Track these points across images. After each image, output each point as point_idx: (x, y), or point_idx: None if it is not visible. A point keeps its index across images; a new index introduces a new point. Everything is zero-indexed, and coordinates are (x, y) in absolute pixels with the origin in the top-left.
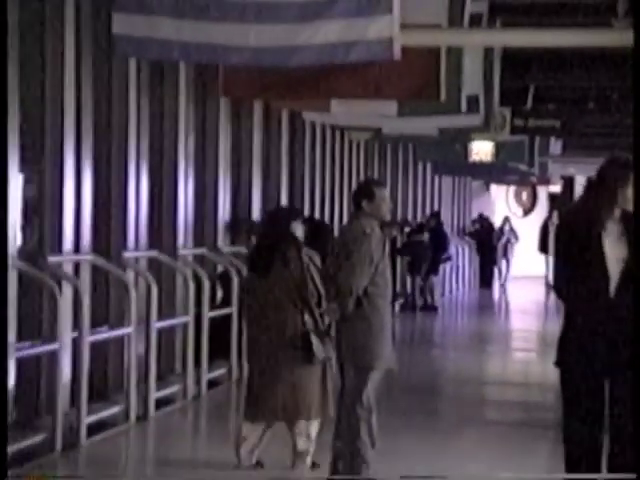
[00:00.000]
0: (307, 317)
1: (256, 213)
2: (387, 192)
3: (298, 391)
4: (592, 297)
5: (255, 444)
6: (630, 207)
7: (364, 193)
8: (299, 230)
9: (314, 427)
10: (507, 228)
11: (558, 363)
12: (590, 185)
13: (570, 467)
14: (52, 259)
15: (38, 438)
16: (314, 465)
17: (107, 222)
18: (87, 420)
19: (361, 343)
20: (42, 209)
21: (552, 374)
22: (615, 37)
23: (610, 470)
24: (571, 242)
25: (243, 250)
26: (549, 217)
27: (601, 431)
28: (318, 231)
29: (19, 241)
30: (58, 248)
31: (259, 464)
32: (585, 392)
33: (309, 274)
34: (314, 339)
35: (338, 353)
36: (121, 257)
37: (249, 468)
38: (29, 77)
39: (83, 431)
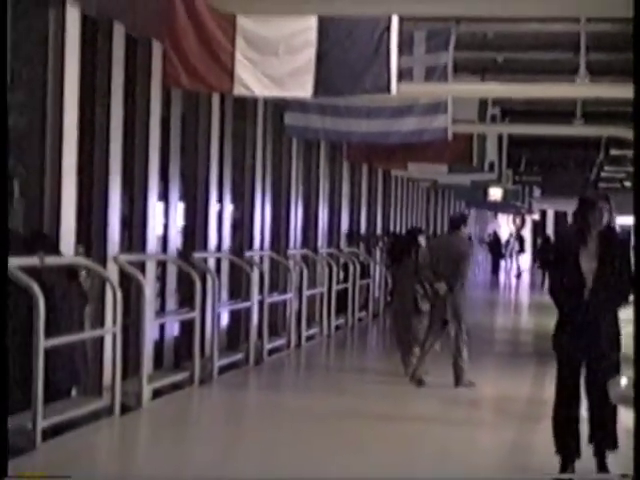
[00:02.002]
0: (418, 287)
1: (363, 229)
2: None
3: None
4: (572, 299)
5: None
6: (599, 227)
7: (463, 220)
8: (422, 239)
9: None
10: (512, 240)
11: (554, 348)
12: (573, 216)
13: (557, 426)
14: (247, 254)
15: (238, 356)
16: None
17: (279, 233)
18: (267, 346)
19: (461, 306)
20: (243, 225)
21: (532, 324)
22: (573, 130)
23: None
24: (560, 257)
25: (355, 250)
26: (515, 233)
27: (579, 397)
28: (398, 240)
29: (229, 243)
30: (250, 247)
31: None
32: (570, 368)
33: (421, 264)
34: (420, 299)
35: (443, 312)
36: (287, 253)
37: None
38: (237, 150)
39: (265, 352)
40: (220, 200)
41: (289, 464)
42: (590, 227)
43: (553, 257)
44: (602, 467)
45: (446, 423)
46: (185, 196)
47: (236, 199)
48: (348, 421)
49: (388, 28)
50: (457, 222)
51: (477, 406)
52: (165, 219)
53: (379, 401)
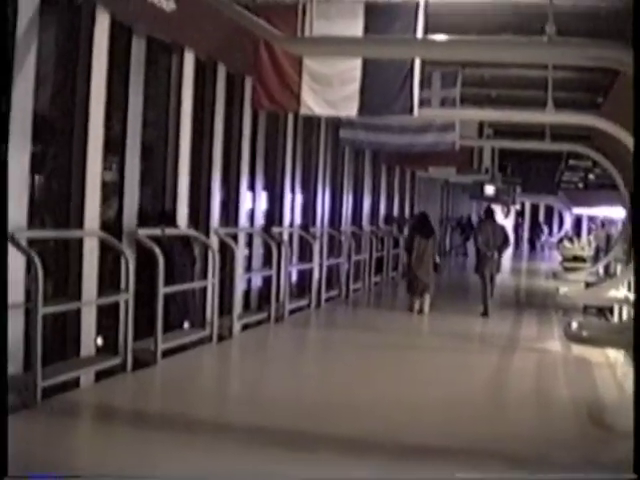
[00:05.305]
0: (436, 255)
1: (395, 213)
2: None
3: (426, 282)
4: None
5: (417, 304)
6: None
7: (491, 211)
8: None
9: (429, 297)
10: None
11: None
12: None
13: None
14: (311, 229)
15: (303, 302)
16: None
17: (334, 215)
18: (324, 296)
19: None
20: (308, 209)
21: (525, 283)
22: (544, 145)
23: None
24: None
25: (390, 228)
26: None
27: None
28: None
29: (298, 221)
30: (313, 224)
31: (420, 311)
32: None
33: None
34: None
35: (491, 268)
36: (340, 229)
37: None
38: (305, 155)
39: (322, 300)
40: (292, 190)
41: (335, 375)
42: None
43: None
44: None
45: (444, 350)
46: (267, 187)
47: (304, 190)
48: (379, 350)
49: (412, 69)
50: (492, 213)
51: (468, 339)
52: (252, 203)
53: (402, 335)
